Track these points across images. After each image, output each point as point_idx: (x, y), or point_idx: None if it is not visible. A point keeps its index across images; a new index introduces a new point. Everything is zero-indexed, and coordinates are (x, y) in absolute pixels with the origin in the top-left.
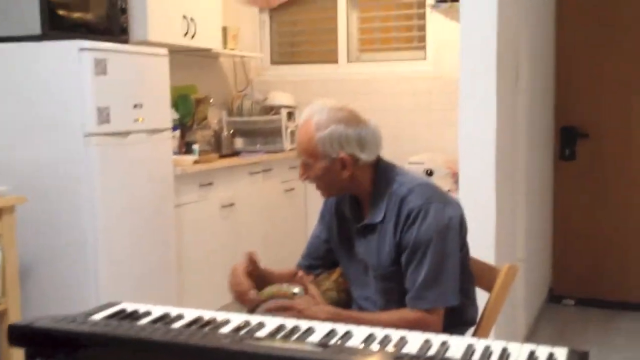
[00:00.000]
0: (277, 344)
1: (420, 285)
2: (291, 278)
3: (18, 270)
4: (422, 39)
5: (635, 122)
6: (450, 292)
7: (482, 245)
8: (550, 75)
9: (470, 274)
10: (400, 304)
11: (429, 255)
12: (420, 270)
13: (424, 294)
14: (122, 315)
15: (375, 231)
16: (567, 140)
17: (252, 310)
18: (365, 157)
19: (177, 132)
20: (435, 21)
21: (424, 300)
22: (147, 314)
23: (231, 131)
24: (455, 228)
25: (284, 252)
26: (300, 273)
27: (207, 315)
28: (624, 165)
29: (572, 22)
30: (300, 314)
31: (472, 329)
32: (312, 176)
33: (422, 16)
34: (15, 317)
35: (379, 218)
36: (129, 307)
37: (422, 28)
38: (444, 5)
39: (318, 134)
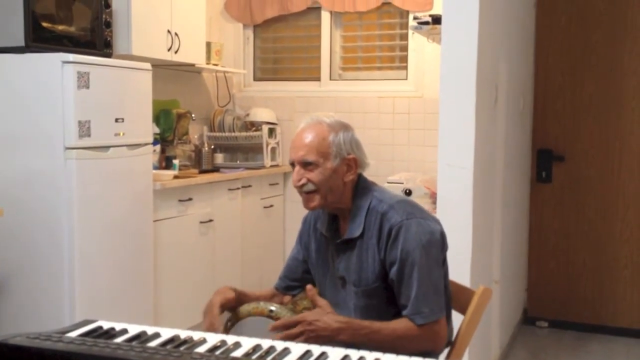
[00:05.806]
0: None
1: (414, 300)
2: (269, 299)
3: None
4: (404, 59)
5: (610, 145)
6: (442, 303)
7: (458, 266)
8: (528, 97)
9: (450, 293)
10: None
11: (417, 269)
12: (412, 285)
13: (421, 309)
14: (97, 333)
15: (355, 246)
16: (544, 162)
17: (229, 328)
18: (366, 164)
19: (158, 147)
20: (417, 42)
21: (421, 315)
22: (124, 332)
23: (212, 147)
24: (438, 242)
25: (262, 269)
26: (309, 286)
27: (183, 334)
28: (598, 188)
29: (551, 46)
30: (311, 326)
31: (446, 351)
32: (316, 179)
33: (405, 37)
34: None
35: (357, 232)
36: (105, 325)
37: (404, 48)
38: (426, 27)
39: (332, 134)
